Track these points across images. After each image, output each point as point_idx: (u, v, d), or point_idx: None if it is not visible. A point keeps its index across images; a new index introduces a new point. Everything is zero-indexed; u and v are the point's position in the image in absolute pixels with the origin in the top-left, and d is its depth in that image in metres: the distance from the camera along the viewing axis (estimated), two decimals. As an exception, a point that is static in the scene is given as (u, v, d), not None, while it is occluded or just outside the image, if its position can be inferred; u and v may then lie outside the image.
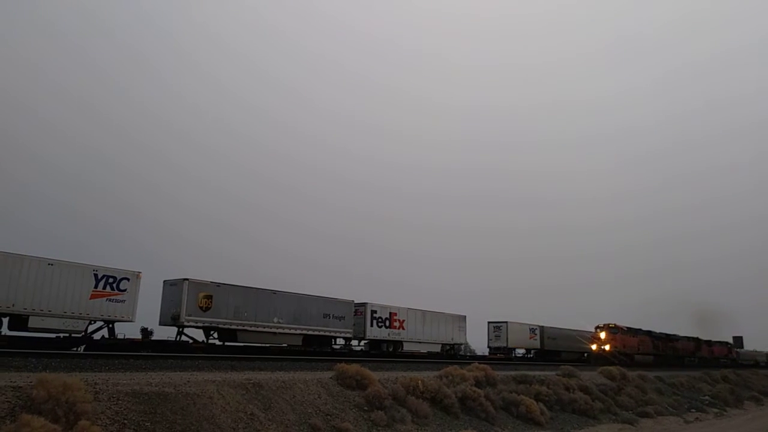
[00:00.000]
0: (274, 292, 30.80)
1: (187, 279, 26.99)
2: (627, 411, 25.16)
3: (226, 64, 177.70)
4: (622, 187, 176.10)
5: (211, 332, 28.21)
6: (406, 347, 38.87)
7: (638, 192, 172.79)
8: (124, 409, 10.28)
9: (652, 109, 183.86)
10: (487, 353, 49.92)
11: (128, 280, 25.57)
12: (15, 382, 10.15)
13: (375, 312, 37.22)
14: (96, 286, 24.54)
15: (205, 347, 27.30)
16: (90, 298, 24.27)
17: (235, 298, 28.70)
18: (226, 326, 28.18)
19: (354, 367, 16.70)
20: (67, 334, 23.87)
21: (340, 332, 34.43)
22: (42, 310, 22.83)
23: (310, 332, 32.30)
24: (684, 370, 44.23)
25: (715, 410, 31.38)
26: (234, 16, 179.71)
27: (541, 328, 52.76)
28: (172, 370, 15.40)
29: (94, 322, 24.82)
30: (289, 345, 31.44)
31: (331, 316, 33.54)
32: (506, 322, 49.31)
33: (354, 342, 37.07)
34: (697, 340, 60.63)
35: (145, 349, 24.84)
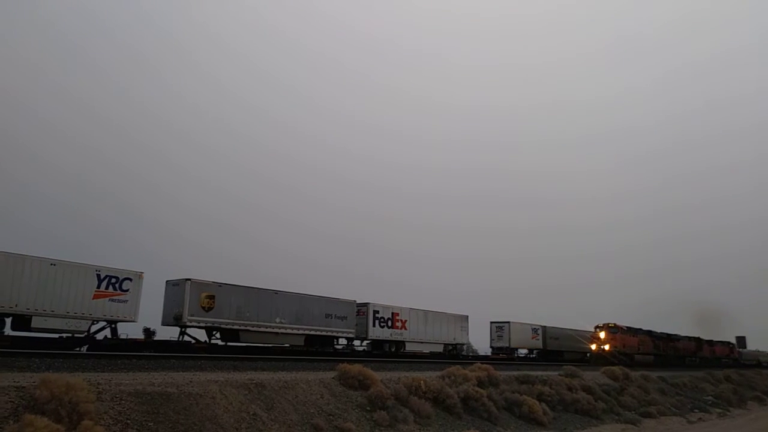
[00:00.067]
0: (276, 292, 30.80)
1: (189, 279, 27.01)
2: (630, 411, 25.14)
3: (226, 64, 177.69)
4: (622, 187, 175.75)
5: (214, 332, 28.22)
6: (409, 347, 38.83)
7: (638, 192, 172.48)
8: (127, 409, 10.29)
9: (652, 109, 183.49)
10: (489, 353, 49.89)
11: (131, 280, 25.60)
12: (18, 382, 10.17)
13: (377, 312, 37.20)
14: (98, 287, 24.56)
15: (207, 347, 27.32)
16: (93, 299, 24.30)
17: (237, 298, 28.71)
18: (228, 326, 28.18)
19: (356, 368, 16.69)
20: (70, 335, 23.90)
21: (343, 332, 34.41)
22: (45, 311, 22.86)
23: (312, 332, 32.29)
24: (685, 370, 44.13)
25: (719, 410, 31.34)
26: (234, 16, 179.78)
27: (544, 328, 52.66)
28: (174, 370, 15.42)
29: (97, 322, 24.84)
30: (291, 345, 31.44)
31: (333, 316, 33.53)
32: (509, 322, 49.24)
33: (356, 342, 37.04)
34: (698, 339, 60.32)
35: (148, 349, 24.85)
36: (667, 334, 54.45)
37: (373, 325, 36.65)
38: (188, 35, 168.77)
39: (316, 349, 31.93)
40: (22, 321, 22.58)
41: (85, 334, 24.38)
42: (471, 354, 51.61)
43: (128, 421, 10.02)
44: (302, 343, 31.89)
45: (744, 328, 78.98)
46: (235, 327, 28.43)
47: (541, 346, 52.09)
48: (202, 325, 27.53)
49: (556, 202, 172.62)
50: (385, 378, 17.17)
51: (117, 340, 25.17)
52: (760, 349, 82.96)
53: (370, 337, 36.73)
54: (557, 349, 52.26)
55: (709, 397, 34.36)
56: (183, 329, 27.09)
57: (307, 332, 32.01)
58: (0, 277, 21.79)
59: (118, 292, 25.12)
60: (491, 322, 50.32)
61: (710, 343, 63.10)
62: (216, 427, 11.07)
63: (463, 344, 46.15)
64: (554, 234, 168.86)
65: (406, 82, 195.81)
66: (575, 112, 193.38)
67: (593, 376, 28.22)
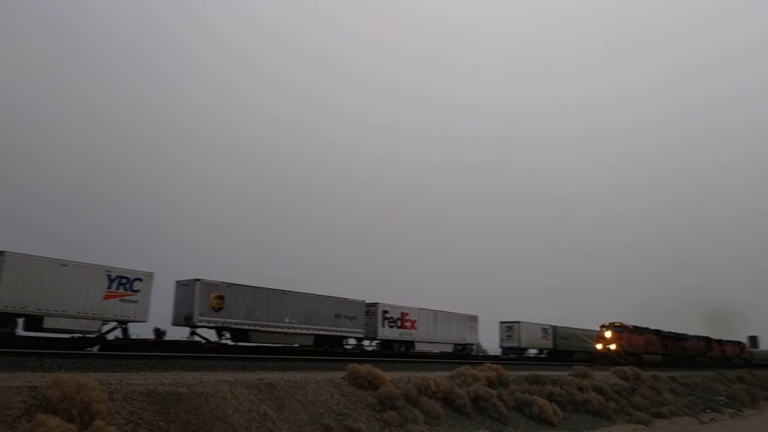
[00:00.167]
0: (285, 292, 30.87)
1: (199, 279, 27.11)
2: (641, 411, 24.98)
3: (227, 63, 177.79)
4: (622, 185, 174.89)
5: (223, 332, 28.32)
6: (418, 347, 38.82)
7: (638, 190, 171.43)
8: (139, 409, 10.32)
9: (652, 107, 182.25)
10: (499, 353, 49.77)
11: (141, 280, 25.73)
12: (30, 382, 10.23)
13: (386, 312, 37.20)
14: (109, 287, 24.71)
15: (217, 347, 27.42)
16: (103, 299, 24.45)
17: (246, 298, 28.79)
18: (238, 326, 28.27)
19: (366, 367, 16.67)
20: (81, 335, 24.06)
21: (352, 332, 34.44)
22: (56, 311, 23.02)
23: (321, 332, 32.34)
24: (695, 370, 43.68)
25: (731, 410, 31.08)
26: (234, 15, 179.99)
27: (554, 328, 52.48)
28: (185, 370, 15.48)
29: (108, 322, 24.98)
30: (300, 345, 31.50)
31: (342, 316, 33.56)
32: (518, 322, 49.12)
33: (365, 342, 37.06)
34: (707, 339, 59.48)
35: (159, 349, 24.97)
36: (676, 334, 53.68)
37: (383, 325, 36.66)
38: (189, 34, 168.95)
39: (326, 349, 31.97)
40: (33, 321, 22.76)
41: (97, 334, 24.53)
42: (481, 354, 51.47)
43: (139, 421, 10.06)
44: (312, 343, 31.94)
45: (757, 327, 78.01)
46: (245, 327, 28.51)
47: (551, 346, 51.90)
48: (211, 325, 27.64)
49: (556, 200, 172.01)
50: (394, 378, 17.14)
51: (128, 340, 25.31)
52: None
53: (379, 337, 36.74)
54: (567, 349, 52.04)
55: (722, 398, 34.08)
56: (193, 329, 27.20)
57: (316, 332, 32.06)
58: (12, 278, 21.97)
59: (129, 292, 25.26)
60: (501, 322, 50.22)
61: (720, 342, 62.20)
62: (226, 427, 11.09)
63: (473, 344, 46.06)
64: (555, 232, 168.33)
65: (406, 80, 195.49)
66: (575, 110, 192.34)
67: (604, 377, 28.07)
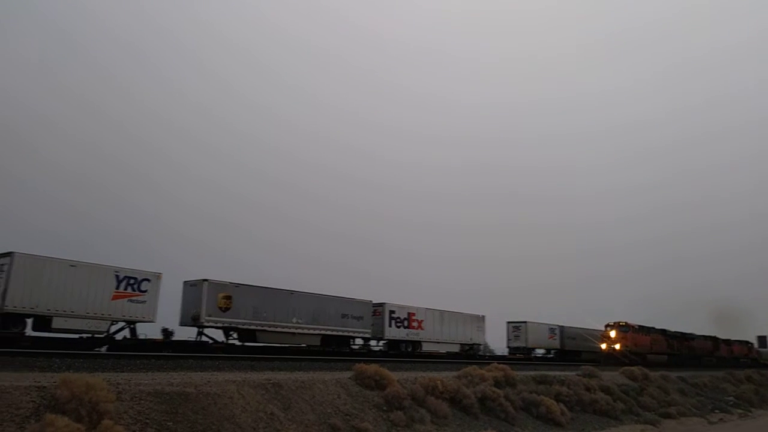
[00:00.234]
0: (293, 292, 30.91)
1: (206, 280, 27.19)
2: (649, 412, 24.87)
3: (228, 61, 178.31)
4: (623, 184, 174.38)
5: (231, 332, 28.39)
6: (425, 347, 38.80)
7: (638, 188, 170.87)
8: (147, 409, 10.37)
9: (652, 106, 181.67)
10: (506, 353, 49.67)
11: (149, 281, 25.83)
12: (39, 382, 10.29)
13: (393, 312, 37.21)
14: (117, 287, 24.82)
15: (224, 347, 27.48)
16: (112, 299, 24.56)
17: (253, 298, 28.85)
18: (245, 326, 28.33)
19: (373, 368, 16.68)
20: (89, 335, 24.18)
21: (359, 332, 34.46)
22: (65, 311, 23.14)
23: (328, 332, 32.37)
24: (701, 370, 43.28)
25: (740, 411, 30.90)
26: (236, 12, 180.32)
27: (561, 328, 52.33)
28: (192, 370, 15.53)
29: (116, 322, 25.09)
30: (307, 345, 31.54)
31: (349, 316, 33.59)
32: (525, 322, 49.02)
33: (372, 342, 37.07)
34: (714, 339, 58.79)
35: (167, 349, 25.06)
36: (682, 333, 53.09)
37: (389, 325, 36.67)
38: (190, 32, 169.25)
39: (333, 349, 32.00)
40: (42, 322, 22.89)
41: (105, 334, 24.63)
42: (488, 354, 51.39)
43: (147, 421, 10.10)
44: (319, 343, 31.98)
45: (760, 326, 77.20)
46: (252, 327, 28.57)
47: (558, 346, 51.75)
48: (219, 325, 27.71)
49: (556, 199, 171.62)
50: (401, 378, 17.14)
51: (136, 340, 25.41)
52: None
53: (386, 337, 36.74)
54: (575, 349, 51.86)
55: (730, 398, 33.88)
56: (201, 329, 27.28)
57: (323, 332, 32.10)
58: (21, 279, 22.11)
59: (137, 292, 25.36)
60: (508, 322, 50.16)
61: (728, 342, 61.52)
62: (234, 427, 11.13)
63: (480, 344, 45.99)
64: (555, 231, 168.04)
65: (407, 78, 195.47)
66: (575, 108, 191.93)
67: (612, 377, 27.97)
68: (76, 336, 23.96)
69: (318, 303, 32.06)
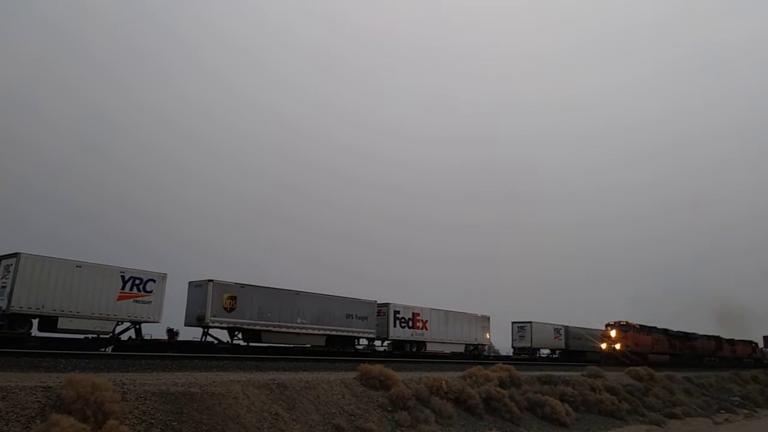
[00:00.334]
0: (298, 292, 30.93)
1: (211, 280, 27.23)
2: (654, 412, 24.81)
3: (231, 61, 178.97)
4: (623, 182, 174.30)
5: (236, 333, 28.43)
6: (430, 348, 38.76)
7: (638, 187, 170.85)
8: (152, 409, 10.40)
9: (652, 104, 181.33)
10: (510, 353, 49.59)
11: (154, 281, 25.87)
12: (45, 382, 10.34)
13: (398, 312, 37.19)
14: (123, 288, 24.87)
15: (229, 348, 27.52)
16: (117, 300, 24.61)
17: (258, 298, 28.87)
18: (250, 327, 28.35)
19: (377, 368, 16.68)
20: (95, 335, 24.24)
21: (363, 333, 34.45)
22: (71, 312, 23.21)
23: (333, 333, 32.37)
24: (703, 370, 42.99)
25: (745, 411, 30.79)
26: (238, 12, 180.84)
27: (566, 328, 52.19)
28: (197, 371, 15.57)
29: (122, 323, 25.15)
30: (312, 345, 31.55)
31: (354, 316, 33.58)
32: (530, 322, 48.93)
33: (377, 342, 37.06)
34: (718, 338, 58.27)
35: (172, 349, 25.11)
36: (685, 333, 52.61)
37: (394, 326, 36.65)
38: (193, 33, 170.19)
39: (338, 350, 32.01)
40: (48, 322, 22.96)
41: (110, 334, 24.70)
42: (492, 354, 51.32)
43: (152, 421, 10.13)
44: (323, 344, 31.99)
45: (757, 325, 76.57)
46: (257, 327, 28.60)
47: (563, 346, 51.61)
48: (224, 325, 27.75)
49: (556, 197, 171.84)
50: (406, 378, 17.15)
51: (141, 340, 25.47)
52: None
53: (390, 338, 36.72)
54: (580, 350, 51.70)
55: (736, 398, 33.76)
56: (206, 330, 27.32)
57: (328, 332, 32.10)
58: (27, 279, 22.19)
59: (142, 293, 25.41)
60: (513, 322, 50.08)
61: (731, 342, 60.99)
62: (238, 427, 11.15)
63: (485, 344, 45.91)
64: (555, 229, 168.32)
65: (408, 77, 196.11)
66: (575, 106, 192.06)
67: (617, 377, 27.91)
68: (82, 336, 24.04)
69: (323, 303, 32.07)
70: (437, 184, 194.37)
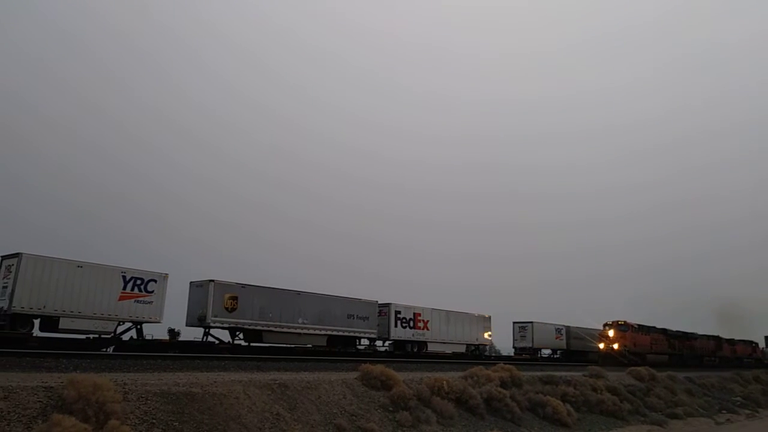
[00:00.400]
0: (299, 293, 30.93)
1: (212, 280, 27.24)
2: (656, 412, 24.78)
3: (230, 61, 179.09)
4: (623, 182, 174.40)
5: (237, 333, 28.43)
6: (431, 348, 38.77)
7: (638, 187, 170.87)
8: (153, 409, 10.40)
9: (652, 104, 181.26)
10: (512, 353, 49.57)
11: (156, 281, 25.89)
12: (46, 382, 10.34)
13: (399, 312, 37.19)
14: (124, 288, 24.90)
15: (230, 348, 27.53)
16: (118, 300, 24.64)
17: (260, 299, 28.88)
18: (251, 327, 28.36)
19: (378, 368, 16.68)
20: (96, 335, 24.27)
21: (365, 333, 34.45)
22: (72, 312, 23.23)
23: (334, 333, 32.38)
24: (703, 371, 42.78)
25: (747, 411, 30.75)
26: (238, 13, 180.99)
27: (567, 328, 52.17)
28: (199, 371, 15.57)
29: (123, 323, 25.17)
30: (313, 345, 31.56)
31: (355, 316, 33.58)
32: (532, 322, 48.92)
33: (378, 342, 37.05)
34: (717, 338, 57.93)
35: (173, 349, 25.12)
36: (684, 333, 52.22)
37: (395, 326, 36.66)
38: (193, 33, 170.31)
39: (339, 350, 32.01)
40: (50, 322, 23.00)
41: (112, 334, 24.72)
42: (494, 354, 51.30)
43: (154, 421, 10.13)
44: (324, 344, 32.00)
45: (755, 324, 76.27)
46: (258, 328, 28.60)
47: (564, 347, 51.58)
48: (225, 325, 27.76)
49: (556, 197, 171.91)
50: (407, 378, 17.14)
51: (143, 340, 25.48)
52: None
53: (392, 338, 36.73)
54: (581, 350, 51.65)
55: (738, 398, 33.71)
56: (207, 330, 27.32)
57: (329, 333, 32.11)
58: (28, 280, 22.21)
59: (144, 293, 25.43)
60: (514, 322, 50.08)
61: (731, 342, 60.69)
62: (240, 427, 11.15)
63: (486, 345, 45.90)
64: (555, 229, 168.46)
65: (408, 76, 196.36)
66: (575, 106, 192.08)
67: (618, 377, 27.88)
68: (83, 336, 24.06)
69: (324, 303, 32.07)
70: (437, 184, 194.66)
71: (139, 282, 25.37)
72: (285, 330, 29.68)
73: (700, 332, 55.58)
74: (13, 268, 22.23)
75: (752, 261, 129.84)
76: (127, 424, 9.59)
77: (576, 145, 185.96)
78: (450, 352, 39.88)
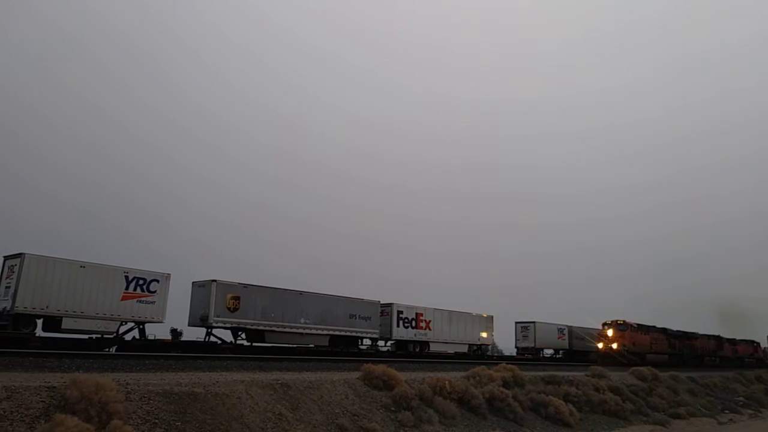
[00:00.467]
0: (301, 293, 30.94)
1: (215, 280, 27.26)
2: (658, 412, 24.74)
3: (230, 61, 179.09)
4: (622, 182, 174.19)
5: (239, 333, 28.45)
6: (433, 348, 38.76)
7: (638, 187, 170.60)
8: (155, 409, 10.42)
9: (651, 103, 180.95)
10: (514, 353, 49.54)
11: (158, 281, 25.93)
12: (49, 382, 10.36)
13: (401, 312, 37.19)
14: (127, 288, 24.93)
15: (233, 348, 27.55)
16: (121, 300, 24.68)
17: (262, 299, 28.89)
18: (253, 327, 28.38)
19: (381, 368, 16.68)
20: (99, 335, 24.30)
21: (367, 333, 34.44)
22: (75, 312, 23.28)
23: (336, 333, 32.38)
24: (704, 370, 42.57)
25: (750, 411, 30.69)
26: (238, 13, 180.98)
27: (570, 328, 52.13)
28: (201, 371, 15.58)
29: (126, 323, 25.20)
30: (315, 345, 31.56)
31: (357, 316, 33.58)
32: (534, 322, 48.89)
33: (380, 342, 37.05)
34: (718, 338, 57.48)
35: (175, 349, 25.15)
36: (684, 332, 51.74)
37: (397, 326, 36.65)
38: (193, 33, 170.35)
39: (341, 350, 32.02)
40: (52, 322, 23.04)
41: (114, 334, 24.75)
42: (496, 354, 51.27)
43: (156, 421, 10.15)
44: (327, 344, 32.00)
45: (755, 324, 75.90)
46: (261, 327, 28.62)
47: (566, 347, 51.52)
48: (227, 325, 27.78)
49: (555, 197, 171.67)
50: (409, 378, 17.14)
51: (145, 340, 25.52)
52: None
53: (394, 338, 36.72)
54: (583, 350, 51.58)
55: (740, 398, 33.65)
56: (209, 330, 27.35)
57: (331, 333, 32.11)
58: (31, 280, 22.26)
59: (146, 293, 25.47)
60: (516, 322, 50.08)
61: (732, 341, 60.33)
62: (242, 427, 11.16)
63: (488, 345, 45.88)
64: (555, 229, 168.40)
65: (407, 76, 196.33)
66: (575, 106, 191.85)
67: (621, 377, 27.85)
68: (86, 336, 24.10)
69: (326, 303, 32.08)
70: (437, 184, 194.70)
71: (141, 282, 25.40)
72: (287, 330, 29.69)
73: (702, 332, 55.34)
74: (15, 269, 22.27)
75: (752, 261, 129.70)
76: (130, 424, 9.60)
77: (576, 145, 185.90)
78: (452, 352, 39.87)
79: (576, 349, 51.30)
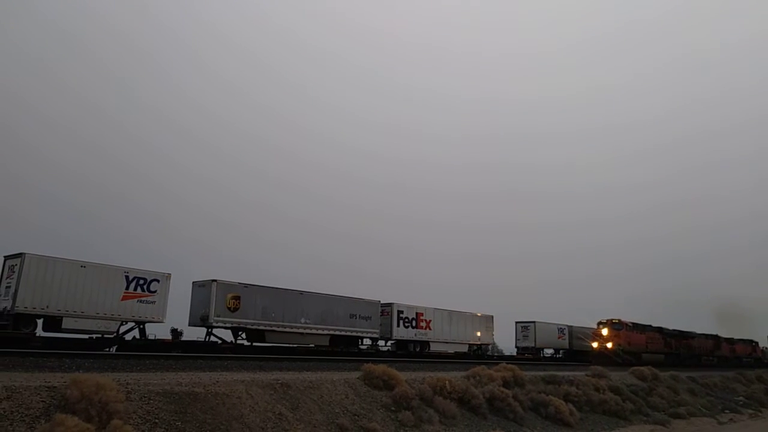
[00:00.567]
0: (302, 292, 30.95)
1: (215, 280, 27.27)
2: (659, 412, 24.74)
3: (230, 61, 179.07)
4: (622, 182, 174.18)
5: (240, 333, 28.46)
6: (433, 347, 38.76)
7: (637, 187, 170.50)
8: (156, 409, 10.42)
9: (651, 103, 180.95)
10: (514, 353, 49.54)
11: (158, 281, 25.94)
12: (49, 382, 10.36)
13: (401, 312, 37.20)
14: (127, 288, 24.95)
15: (233, 347, 27.56)
16: (121, 300, 24.70)
17: (262, 298, 28.90)
18: (254, 327, 28.39)
19: (381, 368, 16.68)
20: (99, 335, 24.32)
21: (367, 332, 34.46)
22: (75, 312, 23.29)
23: (337, 332, 32.39)
24: (701, 370, 42.41)
25: (750, 411, 30.68)
26: (238, 13, 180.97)
27: (570, 327, 52.11)
28: (201, 370, 15.59)
29: (126, 323, 25.21)
30: (316, 345, 31.57)
31: (357, 316, 33.59)
32: (534, 322, 48.88)
33: (381, 342, 37.06)
34: (716, 337, 57.12)
35: (176, 349, 25.16)
36: (681, 332, 51.35)
37: (398, 326, 36.66)
38: (193, 33, 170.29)
39: (341, 350, 32.03)
40: (53, 322, 23.05)
41: (115, 334, 24.76)
42: (496, 354, 51.27)
43: (156, 421, 10.15)
44: (327, 344, 32.01)
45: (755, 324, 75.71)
46: (261, 327, 28.63)
47: (567, 346, 51.50)
48: (228, 325, 27.79)
49: (555, 197, 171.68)
50: (409, 378, 17.14)
51: (145, 340, 25.53)
52: None
53: (394, 338, 36.74)
54: (584, 350, 51.50)
55: (741, 398, 33.64)
56: (209, 330, 27.36)
57: (331, 332, 32.12)
58: (31, 280, 22.27)
59: (146, 293, 25.48)
60: (516, 322, 50.08)
61: (730, 341, 60.04)
62: (242, 427, 11.16)
63: (488, 344, 45.88)
64: (554, 229, 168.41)
65: (407, 76, 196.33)
66: (574, 106, 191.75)
67: (621, 377, 27.85)
68: (86, 336, 24.11)
69: (326, 303, 32.09)
70: (437, 184, 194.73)
71: (141, 282, 25.42)
72: (287, 330, 29.70)
73: (701, 332, 55.13)
74: (16, 268, 22.29)
75: (752, 261, 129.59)
76: (130, 424, 9.60)
77: (576, 144, 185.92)
78: (452, 351, 39.88)
79: (576, 349, 51.24)
